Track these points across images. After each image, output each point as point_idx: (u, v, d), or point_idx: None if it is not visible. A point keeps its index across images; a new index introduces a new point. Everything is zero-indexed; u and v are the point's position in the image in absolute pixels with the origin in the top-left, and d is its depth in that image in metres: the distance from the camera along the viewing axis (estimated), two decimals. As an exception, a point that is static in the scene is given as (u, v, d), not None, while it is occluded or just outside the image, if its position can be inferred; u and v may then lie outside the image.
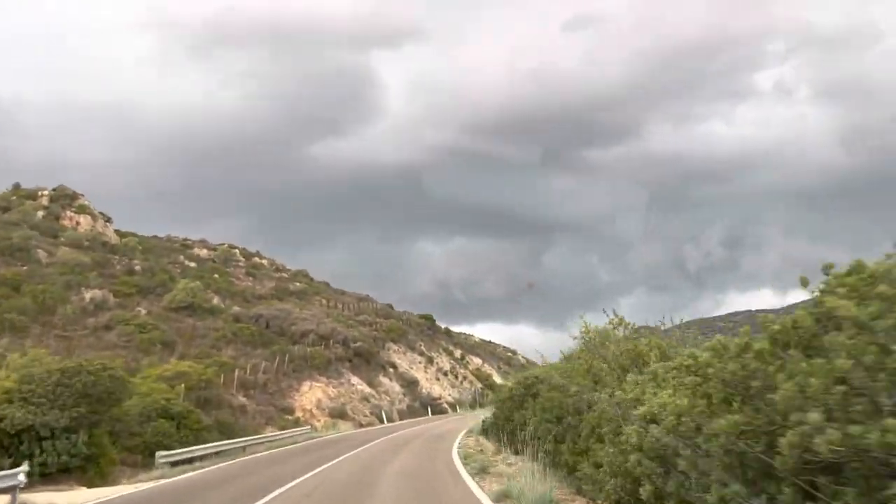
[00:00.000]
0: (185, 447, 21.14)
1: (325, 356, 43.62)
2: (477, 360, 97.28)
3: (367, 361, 50.65)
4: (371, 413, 41.24)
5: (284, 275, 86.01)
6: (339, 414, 37.00)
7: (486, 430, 25.47)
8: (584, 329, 12.87)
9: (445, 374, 72.89)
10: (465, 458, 18.75)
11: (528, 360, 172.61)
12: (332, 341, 48.23)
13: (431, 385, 64.06)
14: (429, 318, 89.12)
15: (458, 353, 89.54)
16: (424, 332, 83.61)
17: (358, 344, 49.99)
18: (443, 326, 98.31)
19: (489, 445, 22.66)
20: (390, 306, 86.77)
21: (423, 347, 74.69)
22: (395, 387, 51.97)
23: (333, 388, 40.71)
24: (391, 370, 54.83)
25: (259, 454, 23.62)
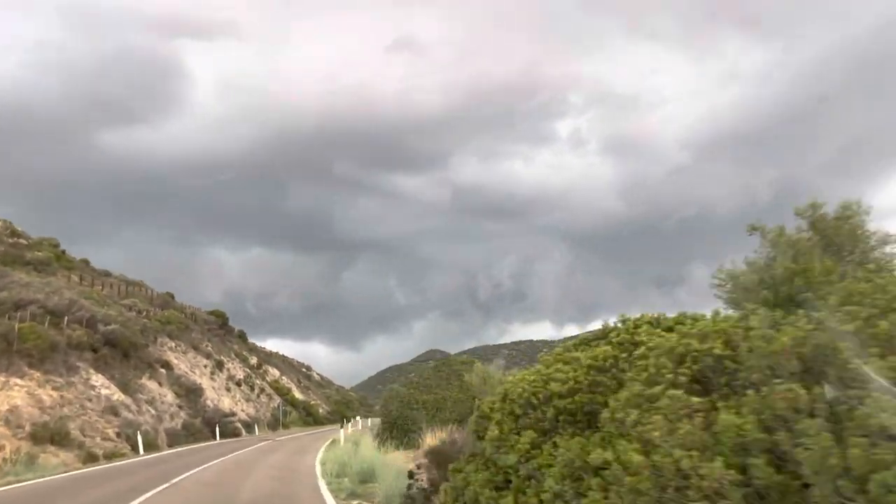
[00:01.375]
0: None
1: (47, 338, 26.35)
2: (275, 372, 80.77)
3: (125, 355, 33.58)
4: (119, 435, 24.89)
5: (22, 241, 63.28)
6: (51, 436, 20.45)
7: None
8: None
9: (238, 383, 56.27)
10: None
11: (322, 378, 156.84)
12: (67, 319, 30.73)
13: (220, 396, 47.45)
14: (220, 316, 71.29)
15: (253, 360, 72.61)
16: (213, 332, 65.91)
17: (112, 327, 32.82)
18: (236, 329, 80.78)
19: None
20: (170, 295, 67.70)
21: (210, 348, 57.39)
22: (168, 395, 35.35)
23: (53, 389, 23.82)
24: (163, 371, 37.95)
25: None
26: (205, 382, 45.56)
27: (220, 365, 54.36)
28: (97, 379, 27.97)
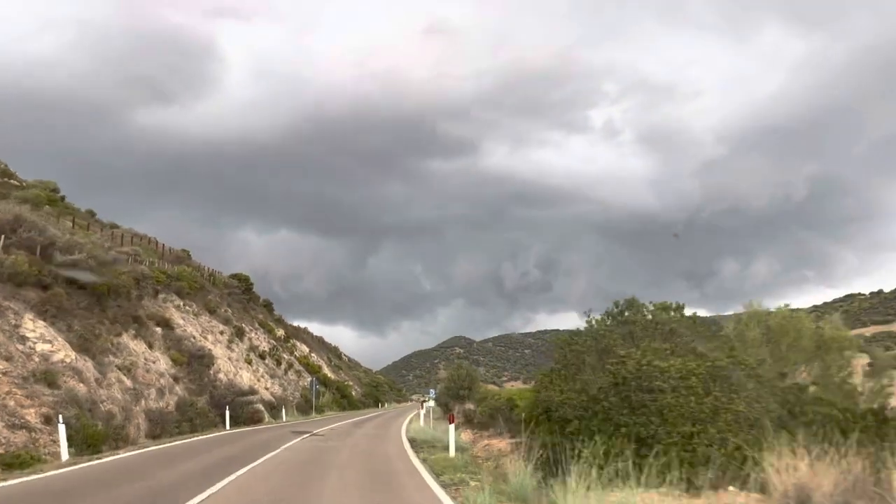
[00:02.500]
0: None
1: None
2: (304, 348, 70.61)
3: (98, 302, 23.14)
4: (49, 420, 14.29)
5: (14, 181, 53.42)
6: None
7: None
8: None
9: (262, 356, 45.91)
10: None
11: (350, 360, 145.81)
12: (5, 241, 20.35)
13: (238, 369, 37.04)
14: (244, 280, 61.02)
15: (280, 332, 62.36)
16: (234, 297, 55.66)
17: (77, 257, 22.31)
18: (262, 298, 70.67)
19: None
20: (186, 252, 57.55)
21: (230, 313, 47.13)
22: (160, 361, 24.91)
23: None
24: (158, 330, 27.50)
25: None
26: (218, 351, 35.21)
27: (240, 333, 44.05)
28: (35, 329, 17.45)
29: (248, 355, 42.11)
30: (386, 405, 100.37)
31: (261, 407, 34.41)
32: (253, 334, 48.45)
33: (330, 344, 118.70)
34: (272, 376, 44.44)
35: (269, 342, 51.57)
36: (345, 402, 57.57)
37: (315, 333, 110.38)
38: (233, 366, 36.75)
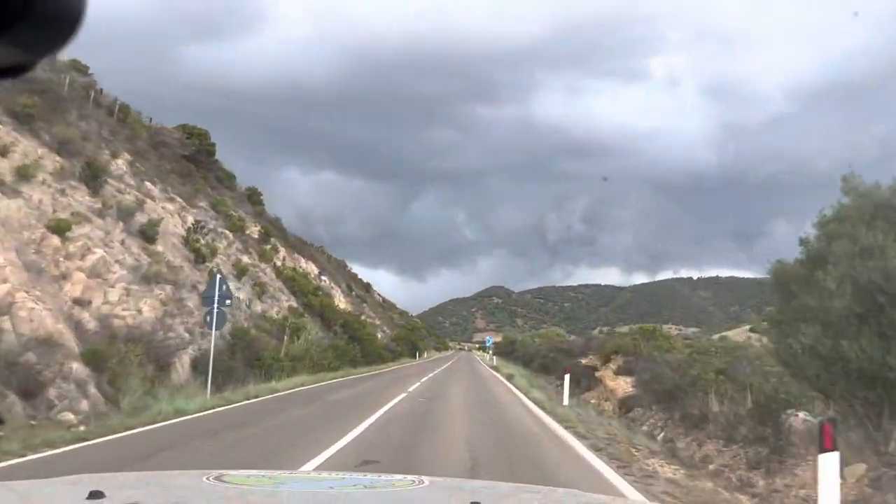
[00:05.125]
0: None
1: None
2: (310, 266, 47.68)
3: None
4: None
5: None
6: None
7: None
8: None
9: (187, 240, 22.38)
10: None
11: (385, 300, 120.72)
12: None
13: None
14: (198, 138, 37.15)
15: (254, 229, 38.82)
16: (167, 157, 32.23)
17: None
18: (226, 167, 45.51)
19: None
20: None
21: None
22: None
23: None
24: None
25: None
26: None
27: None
28: None
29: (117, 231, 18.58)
30: (425, 354, 77.17)
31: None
32: (165, 206, 25.00)
33: (361, 279, 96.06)
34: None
35: (218, 227, 28.21)
36: (355, 348, 33.76)
37: (336, 258, 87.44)
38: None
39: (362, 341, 33.92)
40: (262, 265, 31.03)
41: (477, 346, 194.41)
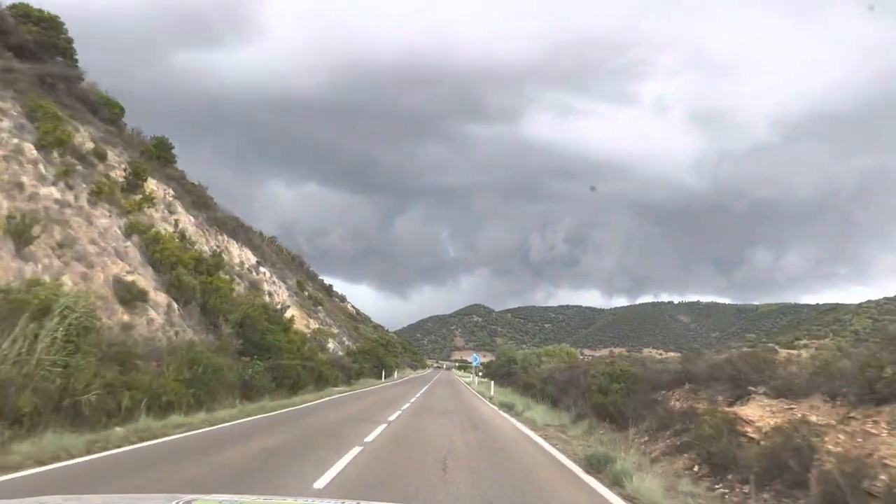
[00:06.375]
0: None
1: None
2: (246, 254, 34.35)
3: None
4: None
5: None
6: None
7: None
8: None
9: None
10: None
11: (359, 312, 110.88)
12: None
13: None
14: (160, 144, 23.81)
15: (150, 186, 25.60)
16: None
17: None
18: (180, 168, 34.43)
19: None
20: None
21: None
22: None
23: None
24: None
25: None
26: None
27: None
28: None
29: None
30: (395, 374, 63.13)
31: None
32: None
33: (322, 280, 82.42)
34: None
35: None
36: (253, 365, 20.05)
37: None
38: None
39: (276, 350, 20.41)
40: (87, 207, 17.75)
41: (457, 364, 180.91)
